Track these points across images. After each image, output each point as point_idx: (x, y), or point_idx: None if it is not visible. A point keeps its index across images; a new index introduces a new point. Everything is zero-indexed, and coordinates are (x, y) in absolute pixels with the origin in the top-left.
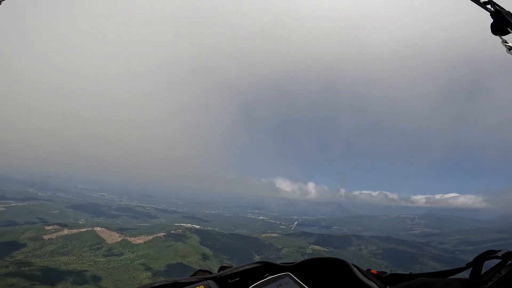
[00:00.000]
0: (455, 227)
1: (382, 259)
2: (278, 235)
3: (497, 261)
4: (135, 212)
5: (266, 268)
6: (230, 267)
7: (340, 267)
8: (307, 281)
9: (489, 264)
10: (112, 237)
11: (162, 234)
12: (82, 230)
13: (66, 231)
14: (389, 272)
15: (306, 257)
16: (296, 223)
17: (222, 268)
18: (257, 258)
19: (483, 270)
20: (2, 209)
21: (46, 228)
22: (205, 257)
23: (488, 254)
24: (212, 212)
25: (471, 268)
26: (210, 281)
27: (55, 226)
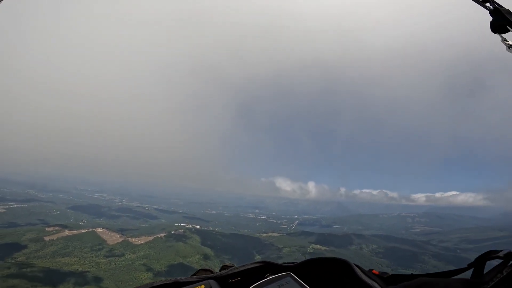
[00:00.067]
0: (455, 225)
1: (383, 257)
2: (279, 234)
3: (499, 261)
4: (135, 213)
5: (267, 267)
6: (231, 266)
7: (342, 267)
8: (309, 281)
9: (492, 263)
10: (113, 238)
11: (163, 234)
12: (83, 231)
13: (67, 232)
14: (390, 272)
15: (307, 257)
16: (296, 222)
17: (223, 268)
18: (258, 257)
19: (486, 270)
20: (2, 210)
21: (47, 229)
22: (206, 257)
23: (490, 254)
24: (213, 212)
25: (472, 268)
26: (211, 281)
27: (56, 227)
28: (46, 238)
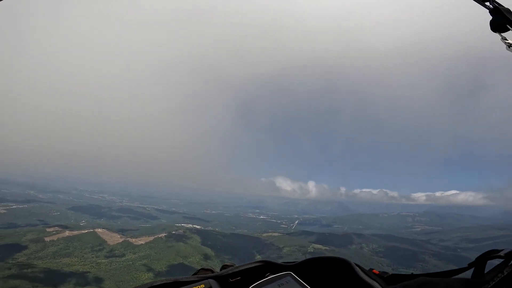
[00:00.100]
0: (455, 224)
1: (383, 257)
2: (279, 234)
3: (500, 260)
4: (135, 213)
5: (268, 267)
6: (231, 266)
7: (342, 267)
8: (309, 281)
9: (493, 262)
10: (113, 238)
11: (163, 234)
12: (83, 231)
13: (67, 233)
14: (391, 272)
15: (308, 256)
16: (297, 222)
17: (224, 267)
18: (258, 257)
19: (487, 269)
20: (3, 211)
21: (47, 230)
22: (206, 257)
23: (490, 254)
24: (213, 212)
25: (473, 268)
26: (211, 280)
27: (56, 228)
28: (47, 239)
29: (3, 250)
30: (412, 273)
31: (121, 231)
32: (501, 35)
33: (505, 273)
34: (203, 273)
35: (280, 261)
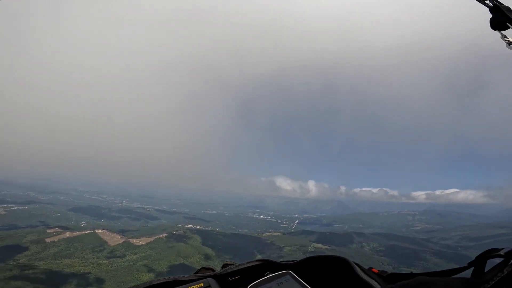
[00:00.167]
0: (456, 223)
1: (384, 256)
2: (280, 234)
3: (500, 259)
4: (136, 214)
5: (267, 266)
6: (232, 264)
7: (341, 265)
8: (308, 279)
9: (493, 261)
10: (114, 239)
11: (164, 235)
12: (83, 232)
13: (68, 234)
14: (390, 271)
15: (308, 256)
16: (297, 221)
17: (225, 266)
18: (259, 257)
19: (487, 268)
20: (3, 212)
21: (48, 231)
22: (207, 257)
23: (491, 253)
24: (213, 212)
25: (473, 267)
26: (210, 279)
27: (57, 229)
28: (47, 240)
29: (4, 251)
30: (411, 272)
31: (122, 232)
32: (501, 33)
33: (505, 272)
34: (204, 272)
35: (280, 260)
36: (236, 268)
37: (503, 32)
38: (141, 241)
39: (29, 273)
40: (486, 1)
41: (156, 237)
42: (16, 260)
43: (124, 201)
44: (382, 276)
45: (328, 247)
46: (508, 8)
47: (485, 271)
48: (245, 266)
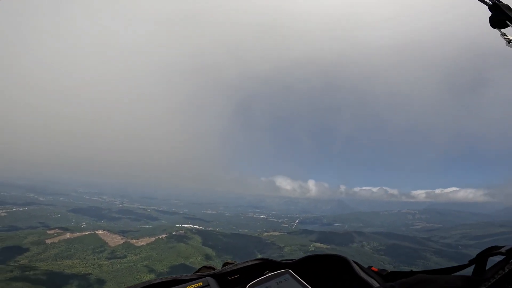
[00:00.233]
0: (456, 221)
1: (384, 255)
2: (280, 233)
3: (501, 257)
4: (136, 215)
5: (266, 264)
6: (233, 263)
7: (341, 264)
8: (307, 278)
9: (494, 259)
10: (114, 240)
11: (164, 235)
12: (84, 233)
13: (68, 235)
14: (390, 270)
15: (309, 255)
16: (297, 221)
17: (226, 265)
18: (259, 257)
19: (488, 266)
20: (3, 214)
21: (48, 232)
22: (207, 257)
23: (491, 250)
24: (213, 212)
25: (474, 265)
26: (209, 278)
27: (57, 230)
28: (48, 241)
29: (5, 253)
30: (411, 270)
31: (122, 233)
32: (501, 31)
33: (506, 270)
34: (204, 271)
35: (279, 259)
36: (235, 267)
37: (503, 30)
38: (142, 242)
39: (30, 274)
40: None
41: (156, 237)
42: (17, 261)
43: (124, 202)
44: (382, 275)
45: (328, 247)
46: (507, 6)
47: (486, 269)
48: (245, 265)
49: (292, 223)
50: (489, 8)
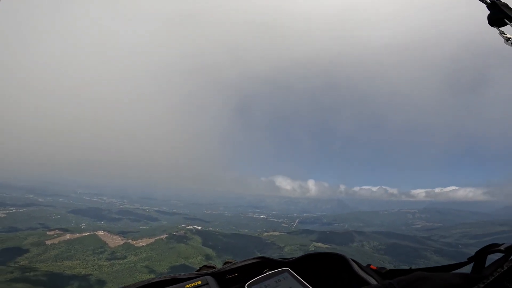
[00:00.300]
0: (456, 220)
1: (385, 254)
2: (280, 233)
3: (501, 255)
4: (136, 215)
5: (266, 263)
6: (233, 262)
7: (339, 262)
8: (306, 276)
9: (493, 257)
10: (114, 241)
11: (164, 236)
12: (84, 234)
13: (68, 236)
14: (389, 268)
15: (307, 253)
16: (297, 221)
17: (226, 264)
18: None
19: (487, 264)
20: (3, 215)
21: (48, 233)
22: (208, 257)
23: (490, 248)
24: (213, 212)
25: (473, 263)
26: (208, 277)
27: (57, 231)
28: (48, 242)
29: (5, 254)
30: (410, 268)
31: (122, 233)
32: (499, 30)
33: (505, 267)
34: (205, 270)
35: (278, 257)
36: (234, 266)
37: (501, 29)
38: (142, 243)
39: (30, 275)
40: None
41: (156, 238)
42: (17, 262)
43: (124, 203)
44: (381, 273)
45: (328, 246)
46: (505, 4)
47: (485, 266)
48: (244, 263)
49: (292, 223)
50: (487, 7)
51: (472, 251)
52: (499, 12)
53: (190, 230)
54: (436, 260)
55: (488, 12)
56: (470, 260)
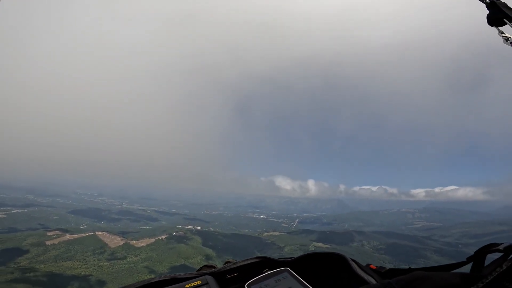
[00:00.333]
0: (456, 220)
1: (385, 254)
2: (280, 233)
3: (500, 254)
4: (136, 216)
5: (265, 263)
6: (232, 262)
7: (339, 262)
8: (306, 276)
9: (492, 257)
10: (114, 241)
11: (164, 236)
12: (84, 235)
13: (68, 236)
14: (388, 268)
15: (307, 253)
16: (297, 221)
17: (226, 263)
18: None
19: (487, 263)
20: (2, 216)
21: (48, 234)
22: (208, 258)
23: (489, 248)
24: (213, 213)
25: (472, 262)
26: (208, 276)
27: (57, 232)
28: (48, 243)
29: (5, 255)
30: (409, 267)
31: (122, 234)
32: (498, 29)
33: (504, 267)
34: (205, 270)
35: (278, 257)
36: (234, 266)
37: (500, 28)
38: (142, 243)
39: (30, 275)
40: None
41: (156, 238)
42: (17, 263)
43: (123, 203)
44: (380, 272)
45: (328, 246)
46: (504, 4)
47: (485, 266)
48: (244, 263)
49: (292, 223)
50: (486, 7)
51: (472, 251)
52: (498, 12)
53: (190, 230)
54: (436, 260)
55: (488, 11)
56: (469, 259)
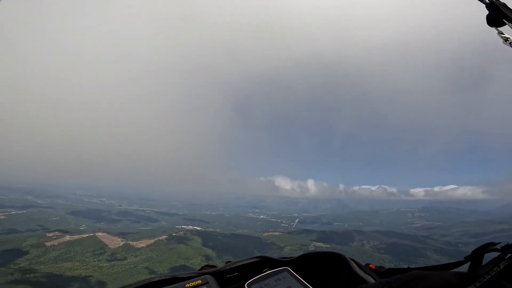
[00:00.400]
0: (455, 219)
1: (385, 253)
2: (280, 233)
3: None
4: (135, 216)
5: (265, 262)
6: (232, 261)
7: (338, 261)
8: (305, 275)
9: (491, 255)
10: (114, 242)
11: (164, 237)
12: (83, 236)
13: (68, 237)
14: (388, 267)
15: (307, 253)
16: (297, 220)
17: (228, 263)
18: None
19: (484, 262)
20: (2, 217)
21: (48, 235)
22: (208, 258)
23: (487, 247)
24: (213, 213)
25: (470, 262)
26: (208, 276)
27: (57, 233)
28: (47, 244)
29: (4, 256)
30: (408, 267)
31: (122, 235)
32: (498, 30)
33: (502, 266)
34: (206, 269)
35: (278, 256)
36: (234, 265)
37: (500, 29)
38: (142, 244)
39: (30, 277)
40: None
41: (156, 239)
42: (17, 264)
43: (123, 204)
44: (380, 272)
45: (328, 246)
46: (504, 4)
47: (482, 265)
48: (244, 263)
49: (292, 223)
50: (486, 7)
51: (472, 250)
52: (498, 12)
53: (190, 230)
54: (436, 259)
55: (487, 12)
56: (467, 259)
